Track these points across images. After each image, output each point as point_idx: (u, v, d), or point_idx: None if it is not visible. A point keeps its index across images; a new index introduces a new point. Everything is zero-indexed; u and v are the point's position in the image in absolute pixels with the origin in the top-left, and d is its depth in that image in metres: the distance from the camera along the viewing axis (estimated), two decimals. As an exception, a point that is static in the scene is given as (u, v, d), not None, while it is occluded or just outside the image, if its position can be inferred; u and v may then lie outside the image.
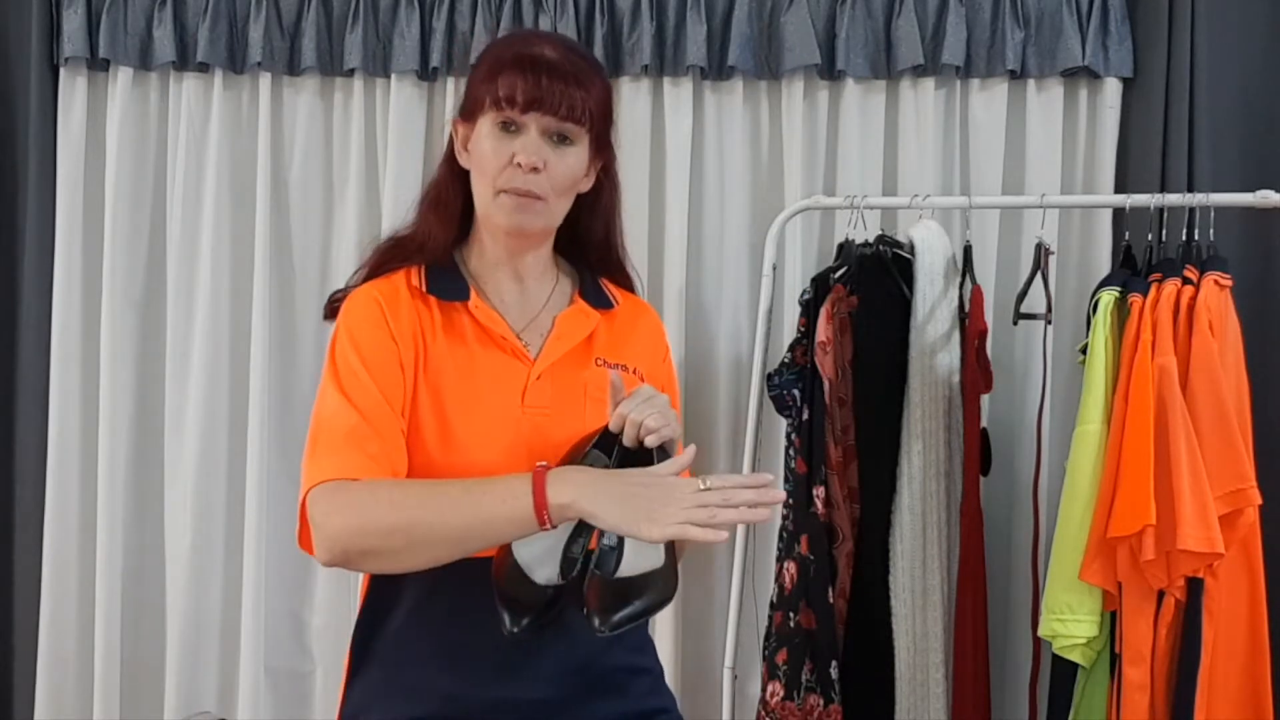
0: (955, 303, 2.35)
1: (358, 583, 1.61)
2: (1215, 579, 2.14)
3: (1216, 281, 2.18)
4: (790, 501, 2.36)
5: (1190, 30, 2.54)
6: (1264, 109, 2.62)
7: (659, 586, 1.32)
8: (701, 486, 1.24)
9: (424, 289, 1.48)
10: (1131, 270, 2.34)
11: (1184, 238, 2.28)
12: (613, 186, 1.57)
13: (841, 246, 2.43)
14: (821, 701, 2.29)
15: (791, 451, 2.38)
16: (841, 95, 2.66)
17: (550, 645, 1.40)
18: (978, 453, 2.30)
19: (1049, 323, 2.39)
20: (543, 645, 1.39)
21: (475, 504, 1.30)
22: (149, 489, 2.78)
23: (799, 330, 2.41)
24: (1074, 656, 2.22)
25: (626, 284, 1.63)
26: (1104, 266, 2.55)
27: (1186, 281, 2.20)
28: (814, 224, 2.69)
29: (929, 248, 2.35)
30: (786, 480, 2.39)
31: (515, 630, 1.33)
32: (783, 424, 2.45)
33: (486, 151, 1.44)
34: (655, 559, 1.35)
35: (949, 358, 2.32)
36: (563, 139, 1.45)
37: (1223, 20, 2.58)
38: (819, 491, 2.31)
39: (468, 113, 1.49)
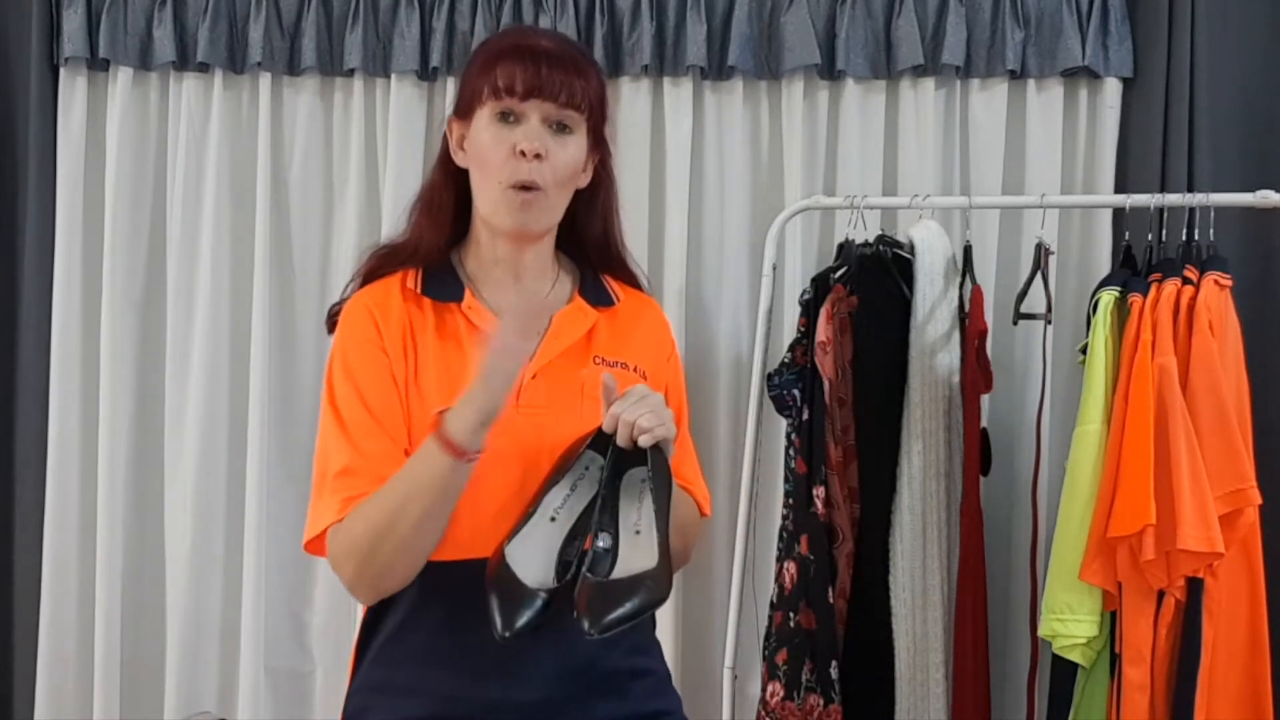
0: (955, 303, 2.35)
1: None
2: (1215, 579, 2.14)
3: (1216, 281, 2.19)
4: (790, 501, 2.36)
5: (1190, 30, 2.54)
6: (1264, 109, 2.62)
7: (650, 588, 1.31)
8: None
9: (418, 291, 1.48)
10: (1131, 270, 2.34)
11: (1184, 238, 2.28)
12: (610, 182, 1.57)
13: (841, 246, 2.43)
14: (821, 701, 2.29)
15: (791, 451, 2.38)
16: (841, 95, 2.66)
17: (551, 646, 1.40)
18: (978, 453, 2.30)
19: (1049, 323, 2.39)
20: (543, 646, 1.39)
21: (411, 473, 1.35)
22: (149, 489, 2.78)
23: (799, 330, 2.41)
24: (1074, 656, 2.22)
25: (630, 280, 1.62)
26: (1104, 266, 2.55)
27: (1186, 281, 2.20)
28: (814, 224, 2.69)
29: (929, 248, 2.35)
30: (787, 480, 2.39)
31: (506, 635, 1.32)
32: (783, 424, 2.45)
33: (486, 143, 1.44)
34: (649, 560, 1.34)
35: (949, 358, 2.32)
36: (562, 128, 1.45)
37: (1223, 20, 2.58)
38: (819, 491, 2.31)
39: (464, 109, 1.48)
